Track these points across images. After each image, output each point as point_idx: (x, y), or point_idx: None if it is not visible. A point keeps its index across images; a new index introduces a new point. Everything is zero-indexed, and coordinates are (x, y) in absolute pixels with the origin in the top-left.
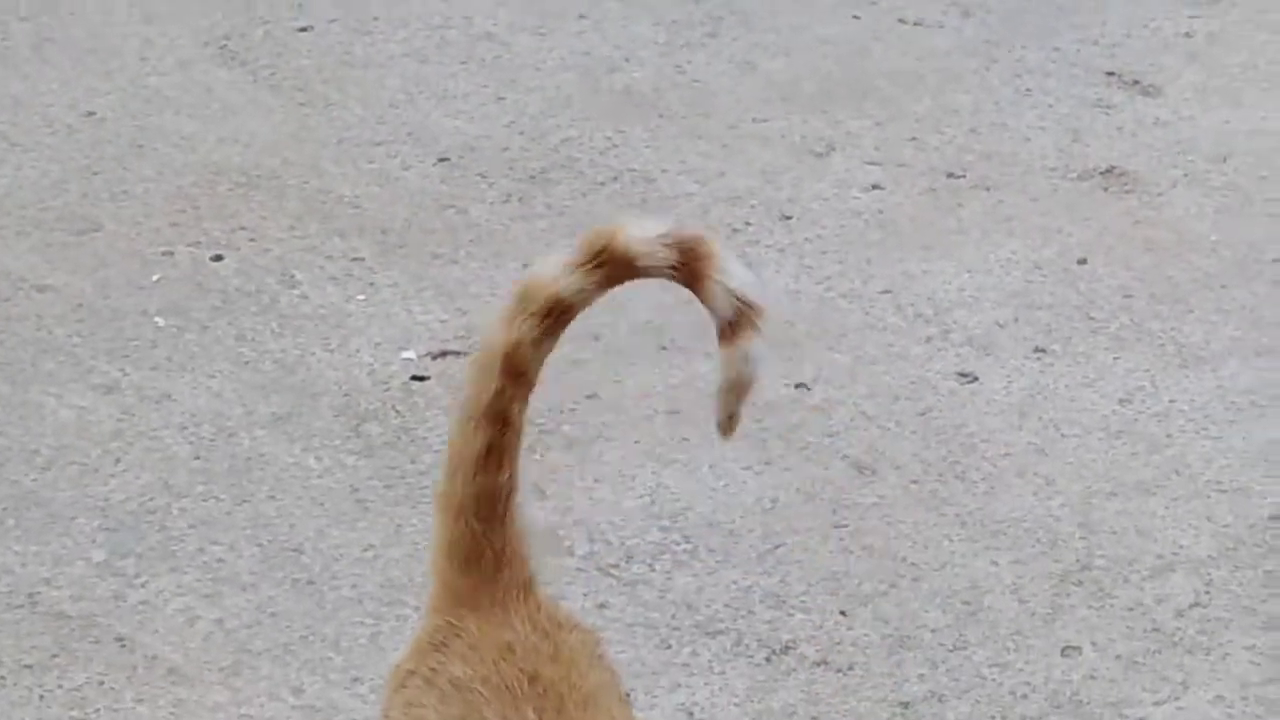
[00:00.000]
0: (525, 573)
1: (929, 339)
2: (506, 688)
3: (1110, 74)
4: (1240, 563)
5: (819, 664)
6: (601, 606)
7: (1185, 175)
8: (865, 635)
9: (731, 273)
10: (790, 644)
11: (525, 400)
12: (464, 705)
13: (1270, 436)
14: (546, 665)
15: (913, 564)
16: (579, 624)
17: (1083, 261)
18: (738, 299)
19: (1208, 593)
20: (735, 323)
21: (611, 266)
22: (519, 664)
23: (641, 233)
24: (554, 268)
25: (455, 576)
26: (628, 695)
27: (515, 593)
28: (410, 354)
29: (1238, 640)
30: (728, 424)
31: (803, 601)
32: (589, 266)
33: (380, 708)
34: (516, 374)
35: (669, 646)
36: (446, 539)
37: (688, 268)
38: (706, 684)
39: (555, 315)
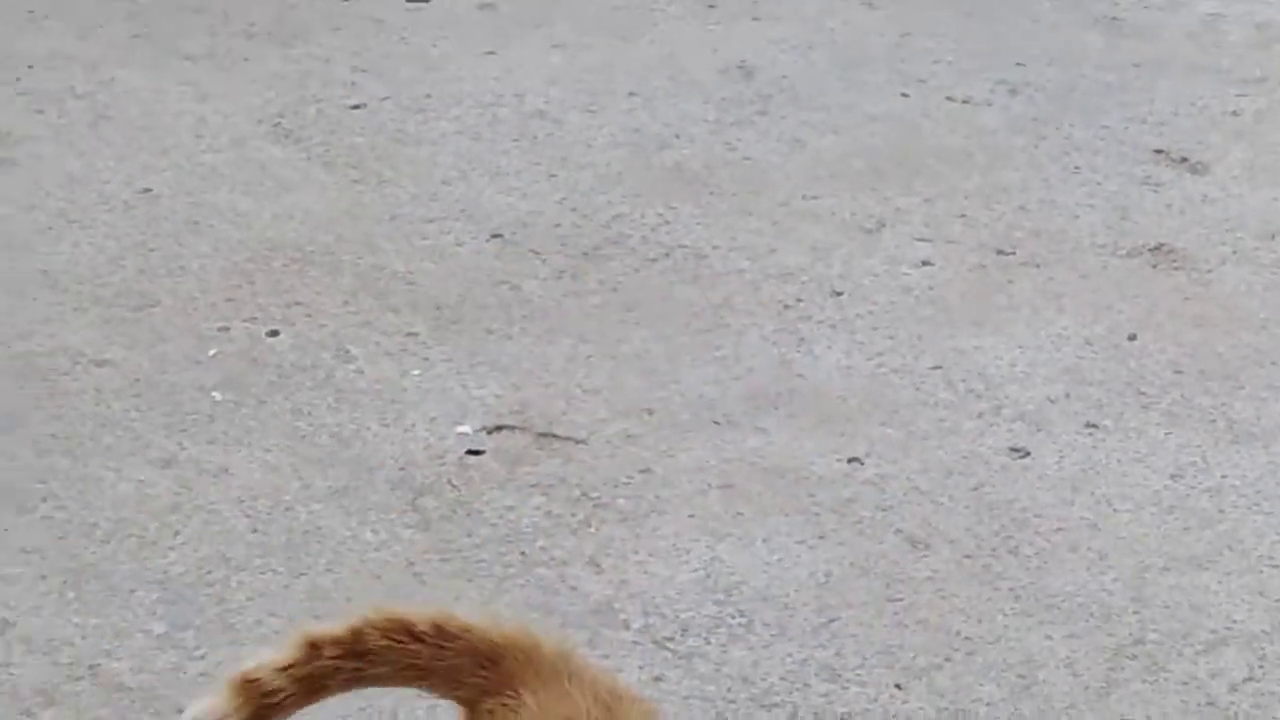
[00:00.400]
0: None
1: (981, 414)
2: None
3: (1158, 151)
4: None
5: None
6: (657, 679)
7: (1234, 252)
8: (920, 709)
9: None
10: (846, 717)
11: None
12: None
13: None
14: None
15: (967, 638)
16: (638, 696)
17: (1133, 338)
18: None
19: (1261, 667)
20: None
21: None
22: None
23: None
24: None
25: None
26: None
27: (577, 665)
28: (465, 428)
29: None
30: None
31: (858, 675)
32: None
33: None
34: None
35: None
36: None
37: None
38: None
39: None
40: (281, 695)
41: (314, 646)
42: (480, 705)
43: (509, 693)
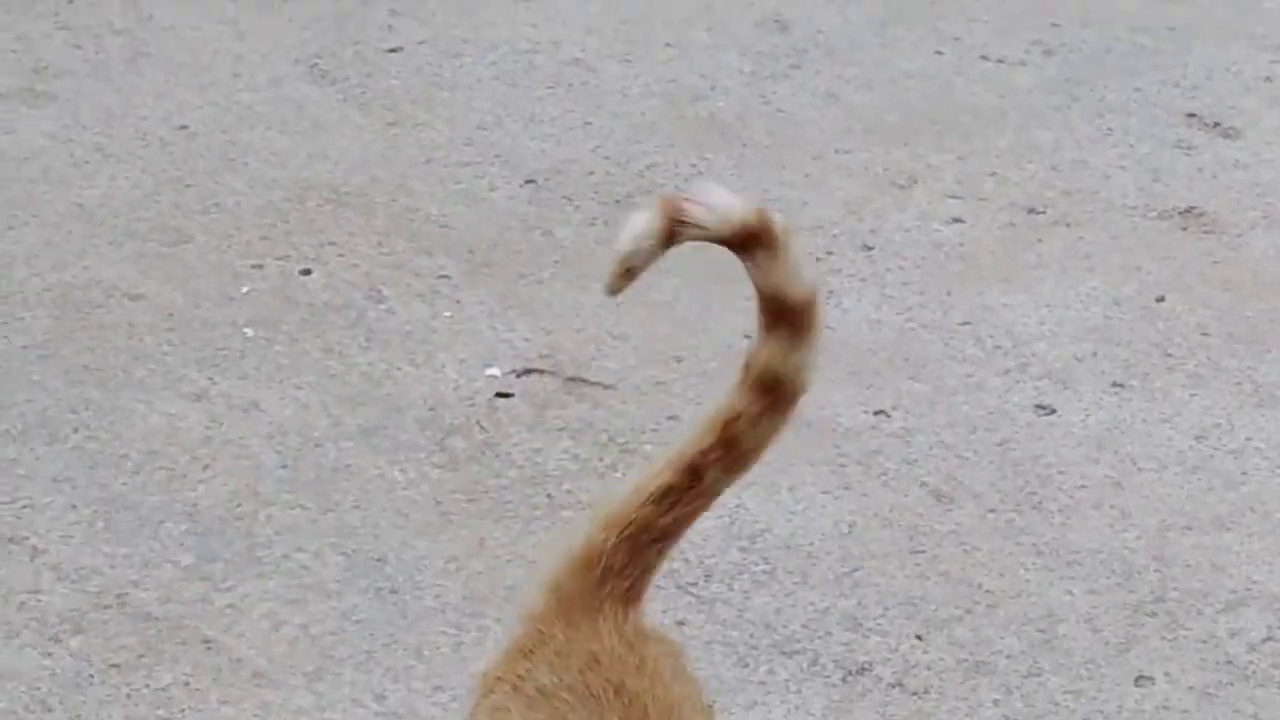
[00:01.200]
0: (631, 593)
1: (1008, 371)
2: (592, 696)
3: (1191, 115)
4: None
5: (894, 686)
6: (680, 624)
7: (1264, 217)
8: (941, 659)
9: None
10: (866, 665)
11: (730, 471)
12: (549, 712)
13: None
14: (631, 676)
15: (988, 591)
16: (664, 636)
17: (1161, 299)
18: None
19: None
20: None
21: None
22: (605, 674)
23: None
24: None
25: (565, 579)
26: (710, 706)
27: (610, 606)
28: (495, 371)
29: None
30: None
31: (879, 624)
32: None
33: (466, 711)
34: (728, 442)
35: (746, 665)
36: (580, 544)
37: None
38: (783, 702)
39: (773, 392)
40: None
41: None
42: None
43: (553, 620)
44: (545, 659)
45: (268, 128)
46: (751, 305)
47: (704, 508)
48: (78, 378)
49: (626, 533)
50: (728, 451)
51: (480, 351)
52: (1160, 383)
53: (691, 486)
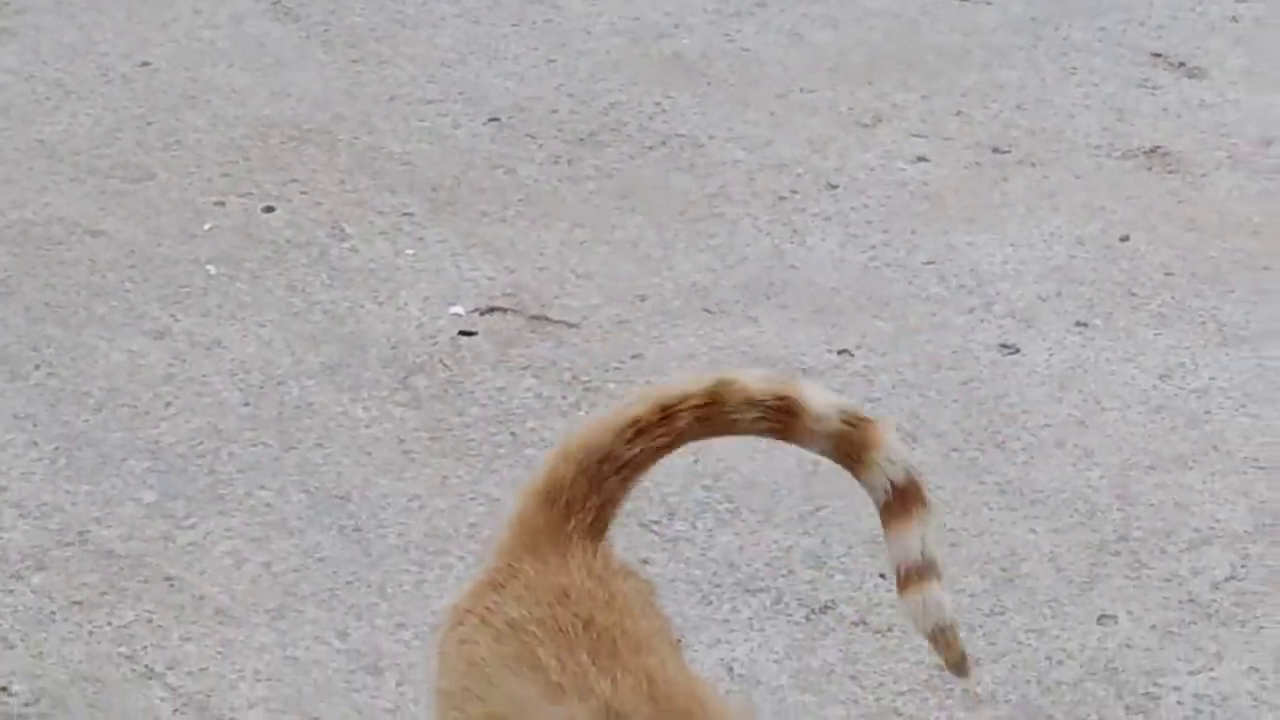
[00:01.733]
0: (595, 526)
1: (971, 310)
2: (561, 630)
3: (1156, 55)
4: (1277, 538)
5: (857, 624)
6: (644, 562)
7: (1229, 157)
8: None
9: (894, 449)
10: (829, 604)
11: (706, 428)
12: (518, 645)
13: None
14: (600, 610)
15: (952, 530)
16: (634, 572)
17: (1125, 239)
18: (903, 472)
19: (1244, 566)
20: (895, 510)
21: (784, 414)
22: (574, 608)
23: (823, 399)
24: (748, 385)
25: (532, 514)
26: (679, 641)
27: (578, 541)
28: (458, 309)
29: (1272, 614)
30: (961, 665)
31: (843, 563)
32: (766, 409)
33: (435, 643)
34: (717, 403)
35: (710, 603)
36: (543, 476)
37: (849, 444)
38: (746, 640)
39: (715, 426)
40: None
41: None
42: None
43: (521, 554)
44: (514, 592)
45: (230, 65)
46: (716, 244)
47: (671, 446)
48: (38, 315)
49: (588, 462)
50: (711, 411)
51: (443, 289)
52: (1124, 322)
53: (662, 423)
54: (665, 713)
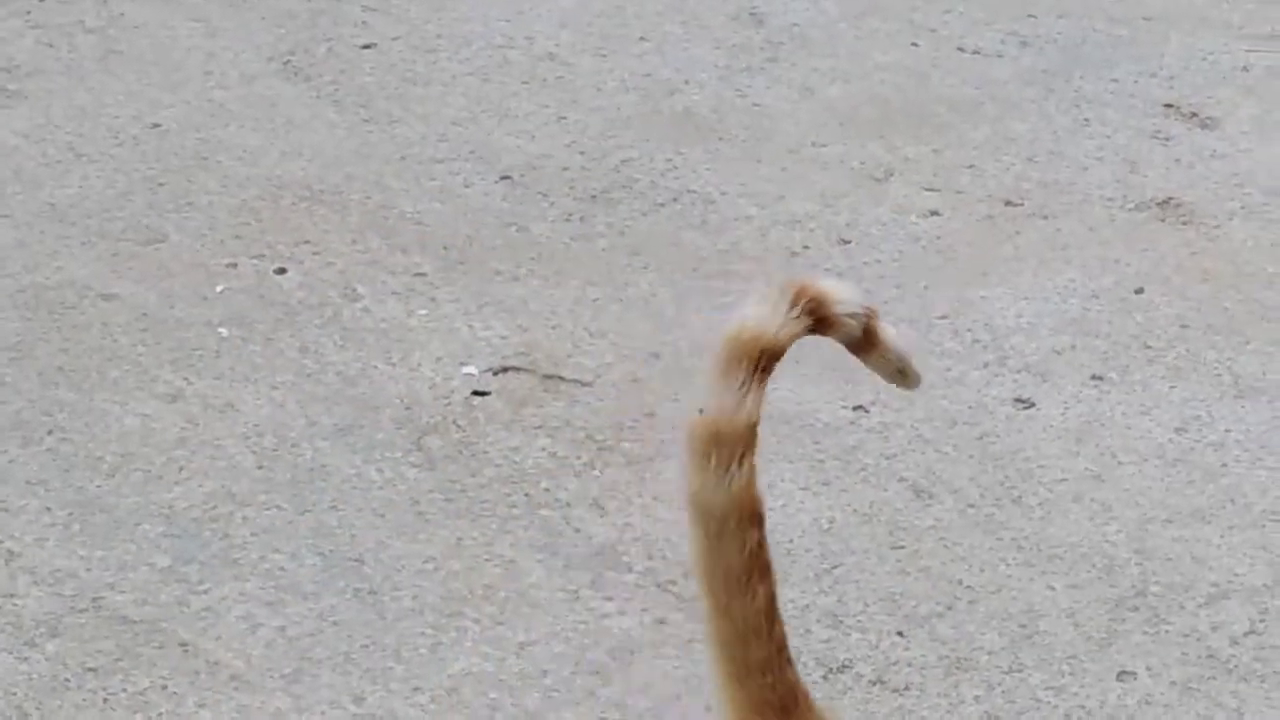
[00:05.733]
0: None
1: (986, 365)
2: None
3: (1168, 105)
4: None
5: (875, 683)
6: (660, 622)
7: (1242, 207)
8: (922, 656)
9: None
10: (847, 663)
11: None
12: None
13: None
14: None
15: (969, 586)
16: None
17: (1140, 291)
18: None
19: (1263, 620)
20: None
21: (814, 320)
22: None
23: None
24: (763, 316)
25: None
26: None
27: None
28: (471, 369)
29: None
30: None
31: (859, 621)
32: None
33: None
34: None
35: None
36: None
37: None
38: None
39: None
40: None
41: None
42: None
43: None
44: None
45: (241, 125)
46: (729, 301)
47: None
48: (51, 379)
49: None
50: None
51: (456, 349)
52: (1139, 375)
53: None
54: None
